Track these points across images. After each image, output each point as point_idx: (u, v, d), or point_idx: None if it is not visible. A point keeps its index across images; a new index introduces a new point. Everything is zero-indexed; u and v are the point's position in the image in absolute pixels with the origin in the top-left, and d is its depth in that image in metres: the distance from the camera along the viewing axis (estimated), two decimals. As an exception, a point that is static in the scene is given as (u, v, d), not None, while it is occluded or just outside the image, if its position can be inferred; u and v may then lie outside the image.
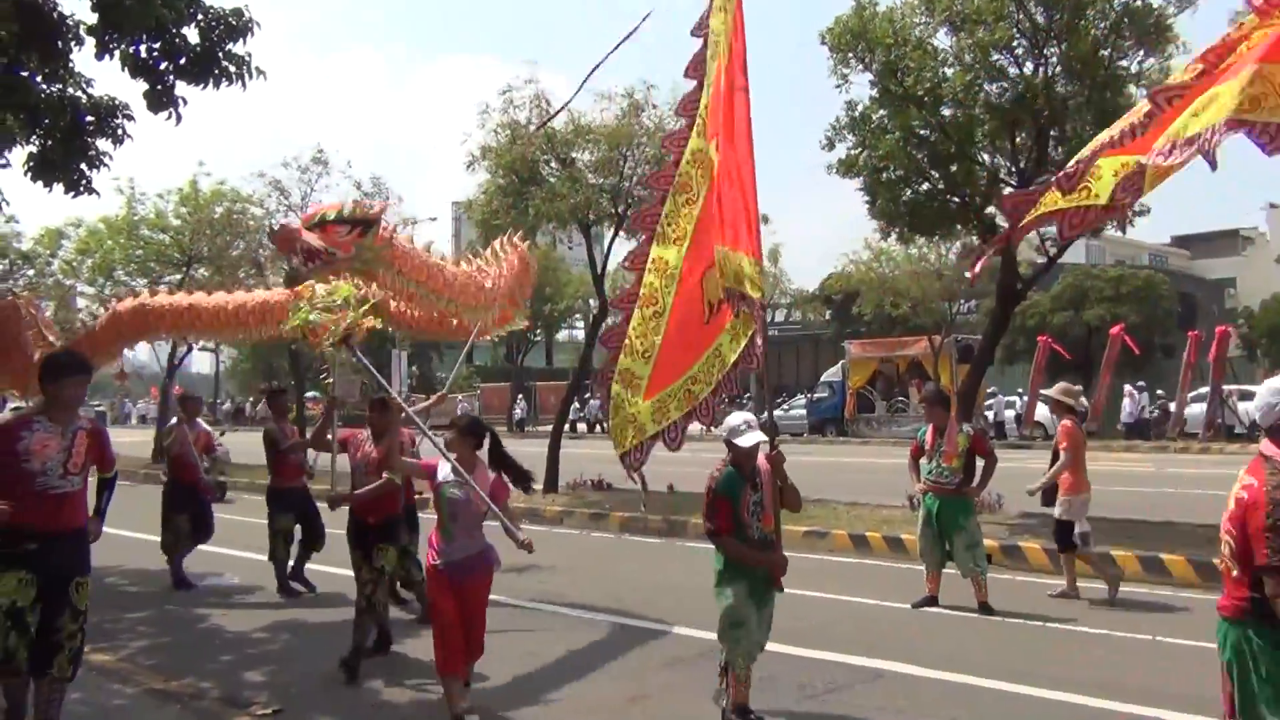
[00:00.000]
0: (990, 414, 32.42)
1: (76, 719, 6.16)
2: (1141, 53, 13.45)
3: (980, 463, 9.22)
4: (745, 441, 5.84)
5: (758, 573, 5.95)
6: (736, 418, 5.99)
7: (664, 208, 6.95)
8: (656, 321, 6.82)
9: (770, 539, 5.99)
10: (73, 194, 10.18)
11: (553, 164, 17.15)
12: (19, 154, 10.04)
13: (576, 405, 39.61)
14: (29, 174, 10.01)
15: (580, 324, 55.91)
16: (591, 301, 18.43)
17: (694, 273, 6.65)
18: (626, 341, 6.87)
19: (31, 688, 5.56)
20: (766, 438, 5.95)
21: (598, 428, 42.27)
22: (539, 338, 59.06)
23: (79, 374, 5.75)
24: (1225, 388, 27.91)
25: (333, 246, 6.61)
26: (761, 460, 5.99)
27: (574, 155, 17.13)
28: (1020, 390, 31.95)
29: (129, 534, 12.98)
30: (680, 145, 7.04)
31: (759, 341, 6.20)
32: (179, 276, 26.27)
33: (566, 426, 23.33)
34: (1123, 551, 10.55)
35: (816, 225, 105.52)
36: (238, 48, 9.46)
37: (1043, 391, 9.85)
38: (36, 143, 10.00)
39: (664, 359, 6.74)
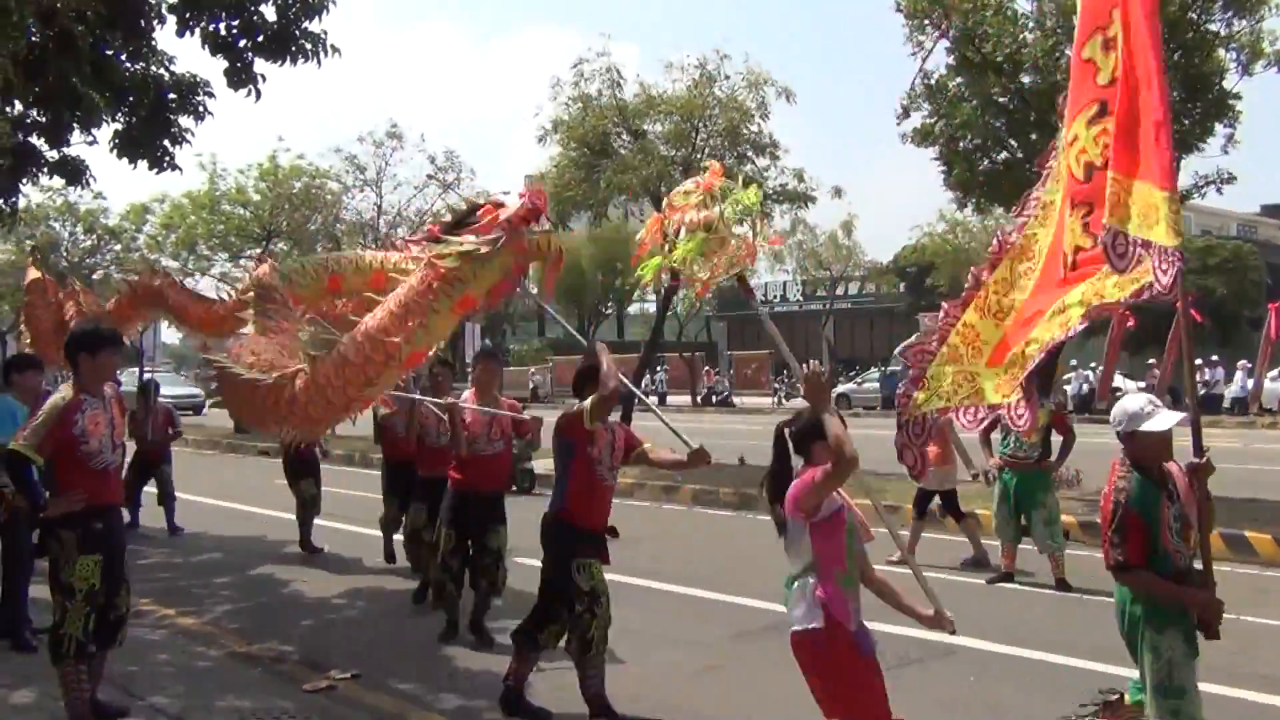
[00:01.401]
0: (1070, 388, 31.75)
1: (163, 679, 6.37)
2: (1231, 14, 13.00)
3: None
4: (1160, 424, 4.29)
5: (1187, 615, 4.39)
6: (1136, 400, 4.49)
7: (1059, 135, 5.25)
8: (1026, 281, 5.33)
9: (1193, 565, 4.40)
10: (157, 170, 10.45)
11: (624, 136, 17.14)
12: (105, 131, 10.32)
13: (647, 377, 39.68)
14: (115, 150, 10.29)
15: (651, 297, 55.91)
16: (663, 275, 18.49)
17: (1062, 213, 5.09)
18: (982, 295, 5.51)
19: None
20: (1184, 416, 4.40)
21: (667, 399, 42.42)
22: (610, 311, 59.24)
23: (117, 345, 5.73)
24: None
25: (480, 235, 5.56)
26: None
27: (645, 127, 17.10)
28: (1093, 364, 31.21)
29: (213, 502, 13.34)
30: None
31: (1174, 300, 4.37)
32: (258, 250, 26.82)
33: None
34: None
35: (891, 196, 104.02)
36: (314, 25, 9.60)
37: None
38: (122, 120, 10.26)
39: (1016, 325, 5.28)
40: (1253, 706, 5.91)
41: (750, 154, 17.02)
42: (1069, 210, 4.86)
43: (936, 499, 10.10)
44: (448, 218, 6.04)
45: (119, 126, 10.27)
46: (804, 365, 4.39)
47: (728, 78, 16.82)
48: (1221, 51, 13.18)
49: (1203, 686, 6.08)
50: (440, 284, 5.54)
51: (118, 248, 31.23)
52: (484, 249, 5.41)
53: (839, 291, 45.35)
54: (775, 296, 54.67)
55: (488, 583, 7.34)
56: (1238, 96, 13.42)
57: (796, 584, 4.25)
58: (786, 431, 4.43)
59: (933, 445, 9.66)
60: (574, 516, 5.83)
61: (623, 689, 6.23)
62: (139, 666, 6.56)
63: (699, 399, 44.36)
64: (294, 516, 11.04)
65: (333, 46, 9.71)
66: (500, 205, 5.60)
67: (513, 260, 5.57)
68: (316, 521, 11.01)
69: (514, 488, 14.51)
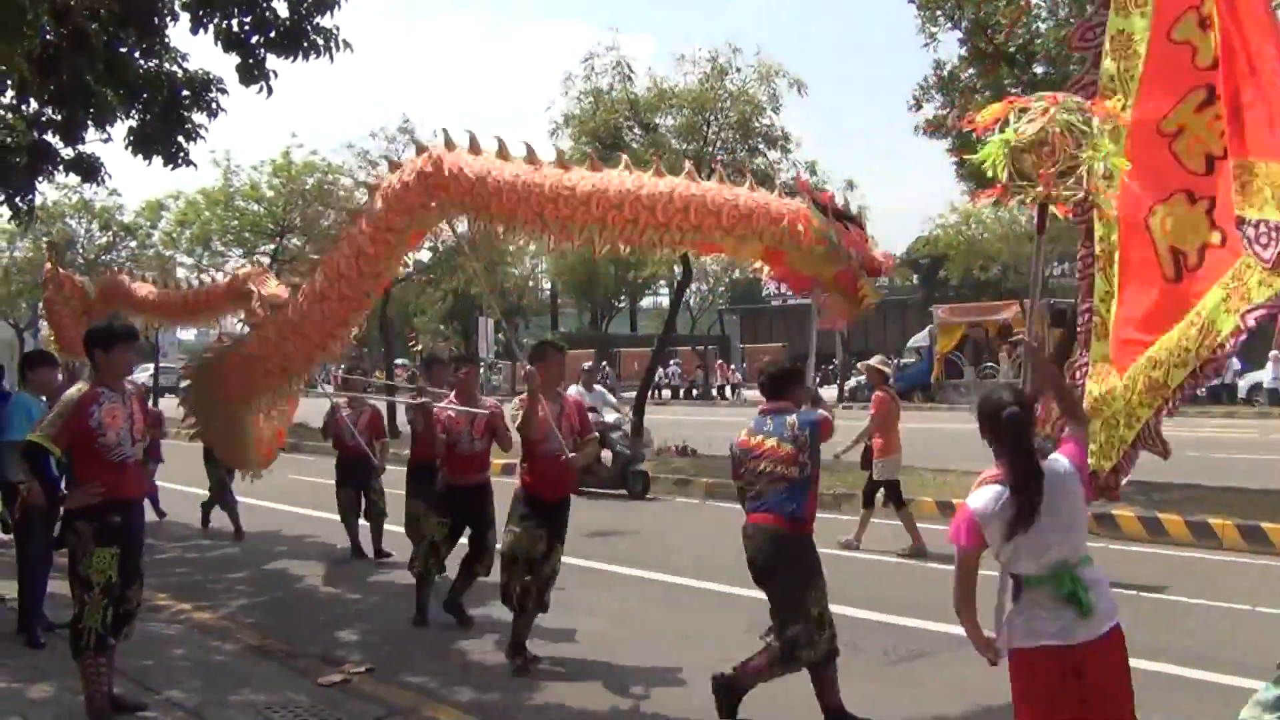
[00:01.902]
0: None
1: (179, 673, 6.42)
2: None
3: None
4: None
5: None
6: None
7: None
8: (1109, 286, 4.89)
9: None
10: (171, 166, 10.48)
11: (635, 130, 17.11)
12: (120, 128, 10.36)
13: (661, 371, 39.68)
14: (129, 147, 10.33)
15: (664, 290, 55.93)
16: (675, 268, 18.51)
17: (1135, 212, 4.63)
18: (1096, 319, 4.96)
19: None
20: None
21: (681, 393, 42.51)
22: (623, 304, 59.26)
23: (130, 340, 5.78)
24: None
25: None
26: None
27: (657, 120, 17.07)
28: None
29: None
30: (1092, 35, 5.02)
31: None
32: (273, 246, 26.96)
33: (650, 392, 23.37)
34: (1221, 520, 10.28)
35: (903, 188, 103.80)
36: (326, 20, 9.60)
37: (861, 363, 10.46)
38: (136, 117, 10.29)
39: (1116, 338, 4.79)
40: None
41: (762, 147, 16.98)
42: (1188, 205, 4.41)
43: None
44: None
45: (133, 124, 10.31)
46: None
47: (739, 70, 16.78)
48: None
49: (1215, 678, 6.11)
50: (786, 226, 5.42)
51: (133, 244, 31.40)
52: (831, 251, 5.38)
53: None
54: (788, 288, 54.48)
55: (536, 603, 6.74)
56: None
57: (1096, 573, 3.78)
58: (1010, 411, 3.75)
59: (878, 436, 10.30)
60: (811, 528, 5.61)
61: (640, 689, 6.27)
62: (155, 660, 6.62)
63: (713, 391, 44.34)
64: (310, 512, 11.05)
65: (345, 41, 9.72)
66: (869, 239, 5.65)
67: (830, 276, 5.53)
68: (325, 516, 10.97)
69: (624, 491, 14.21)
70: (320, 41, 9.55)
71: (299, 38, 9.48)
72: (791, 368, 5.96)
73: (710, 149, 16.68)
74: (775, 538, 5.52)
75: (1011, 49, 13.10)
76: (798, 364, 6.15)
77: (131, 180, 44.20)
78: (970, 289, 35.93)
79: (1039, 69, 13.51)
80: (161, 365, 35.32)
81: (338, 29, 9.64)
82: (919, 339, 38.78)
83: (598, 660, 6.86)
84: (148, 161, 10.38)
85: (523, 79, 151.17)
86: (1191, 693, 6.03)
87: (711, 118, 16.58)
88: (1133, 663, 6.43)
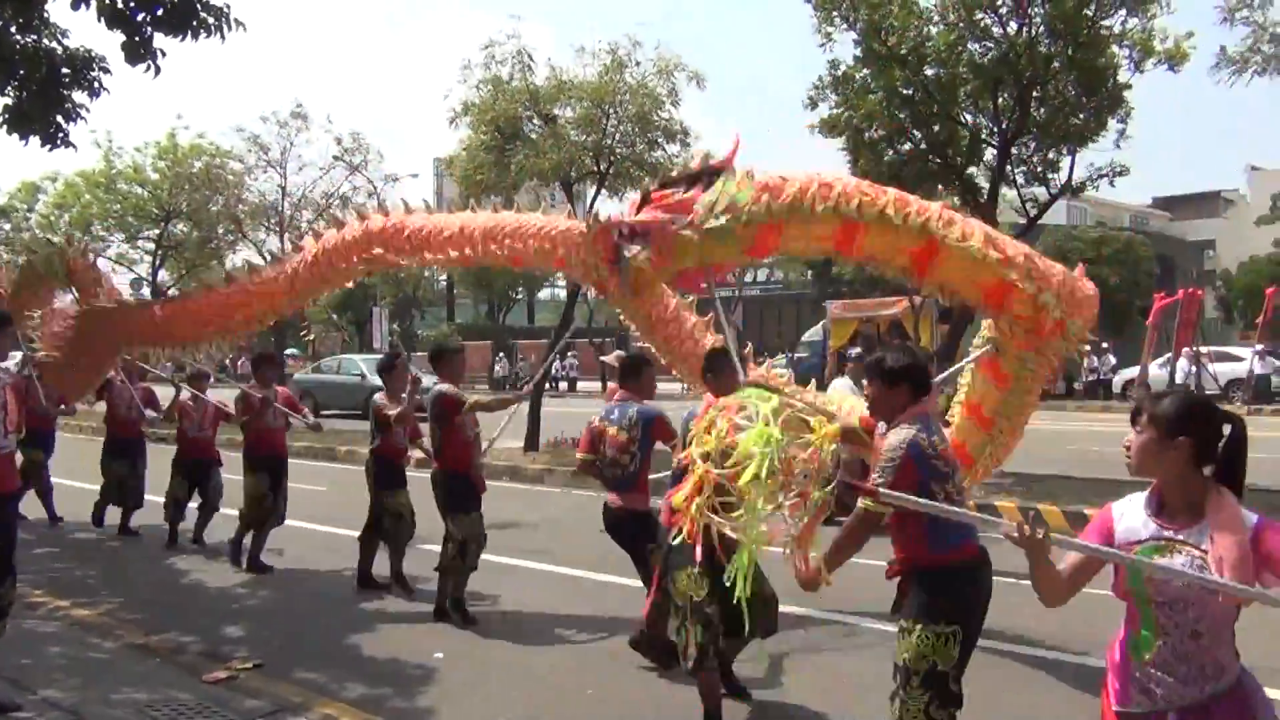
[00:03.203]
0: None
1: (57, 672, 6.20)
2: (1124, 12, 13.47)
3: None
4: None
5: None
6: None
7: None
8: None
9: None
10: (49, 147, 10.07)
11: (535, 120, 17.05)
12: (-6, 106, 9.93)
13: (558, 364, 39.61)
14: (3, 126, 9.89)
15: (561, 282, 55.78)
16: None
17: None
18: None
19: None
20: None
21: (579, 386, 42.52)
22: (520, 296, 58.95)
23: (2, 325, 5.59)
24: (1200, 349, 28.01)
25: (669, 214, 4.99)
26: None
27: (556, 112, 17.04)
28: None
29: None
30: None
31: None
32: (157, 231, 26.14)
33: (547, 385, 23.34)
34: (1002, 501, 11.25)
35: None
36: (216, -1, 9.34)
37: (602, 358, 10.96)
38: (11, 95, 9.87)
39: None
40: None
41: (661, 141, 17.06)
42: None
43: None
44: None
45: (9, 101, 9.88)
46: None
47: (639, 64, 16.84)
48: (1115, 48, 13.63)
49: (1052, 655, 6.38)
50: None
51: (7, 227, 30.22)
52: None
53: (748, 278, 45.76)
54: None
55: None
56: (1128, 86, 13.91)
57: None
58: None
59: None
60: None
61: (543, 676, 6.27)
62: (31, 659, 6.39)
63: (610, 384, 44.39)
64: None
65: (236, 20, 9.46)
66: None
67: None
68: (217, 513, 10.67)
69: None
70: (211, 20, 9.27)
71: (188, 15, 9.18)
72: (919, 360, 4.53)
73: (610, 141, 16.71)
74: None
75: (903, 51, 13.40)
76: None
77: (6, 161, 42.42)
78: (863, 284, 36.70)
79: (929, 71, 13.85)
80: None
81: (229, 7, 9.39)
82: (813, 334, 39.34)
83: (501, 652, 6.84)
84: (24, 141, 9.96)
85: (421, 65, 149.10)
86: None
87: (611, 110, 16.60)
88: (990, 643, 6.71)
